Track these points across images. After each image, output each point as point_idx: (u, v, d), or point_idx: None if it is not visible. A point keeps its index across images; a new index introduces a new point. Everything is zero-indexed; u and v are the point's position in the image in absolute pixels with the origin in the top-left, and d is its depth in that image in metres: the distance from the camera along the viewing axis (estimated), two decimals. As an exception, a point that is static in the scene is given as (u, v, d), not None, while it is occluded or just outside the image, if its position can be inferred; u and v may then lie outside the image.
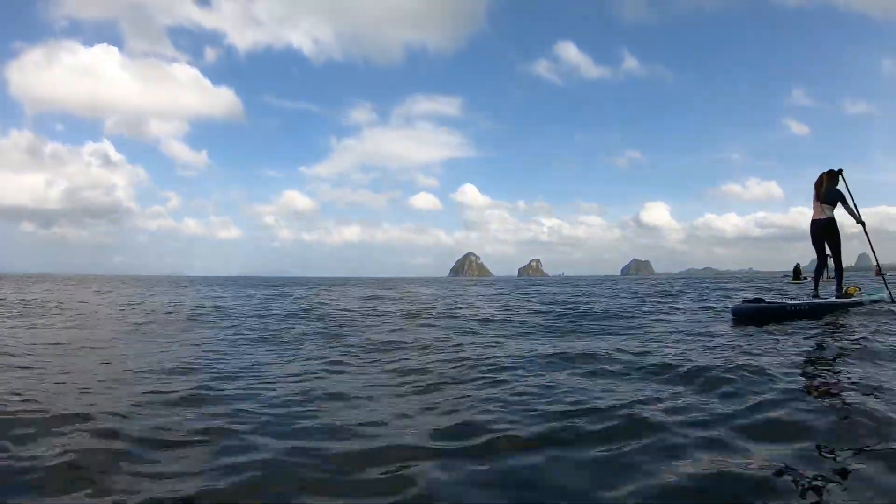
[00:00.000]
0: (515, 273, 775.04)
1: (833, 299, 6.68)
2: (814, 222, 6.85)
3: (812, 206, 6.90)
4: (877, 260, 7.71)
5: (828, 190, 6.72)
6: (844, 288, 7.23)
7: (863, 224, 6.78)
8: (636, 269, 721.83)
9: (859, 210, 6.73)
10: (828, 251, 7.09)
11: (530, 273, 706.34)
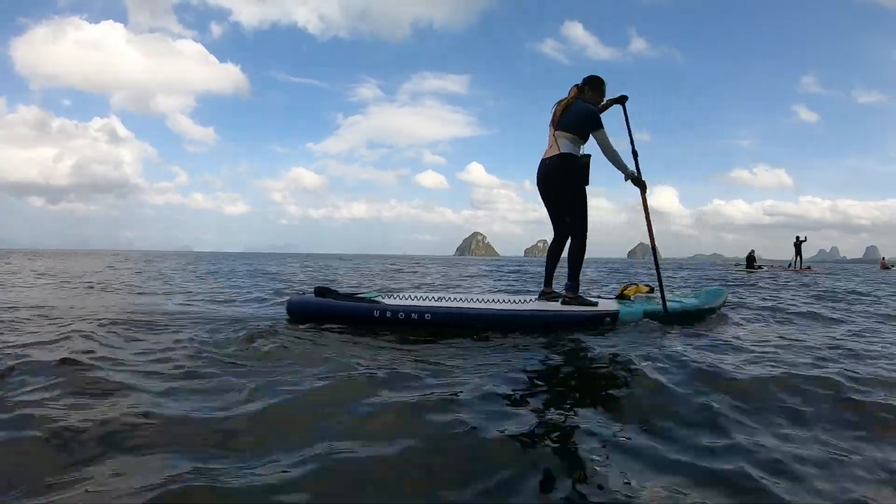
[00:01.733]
0: (522, 253, 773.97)
1: (547, 306, 3.50)
2: (541, 163, 3.72)
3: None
4: (654, 247, 3.81)
5: (568, 108, 3.63)
6: (622, 288, 4.17)
7: (639, 182, 3.57)
8: (643, 252, 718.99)
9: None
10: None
11: (537, 254, 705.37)
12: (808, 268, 21.84)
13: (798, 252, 21.89)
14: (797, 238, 22.15)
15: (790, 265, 21.77)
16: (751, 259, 21.40)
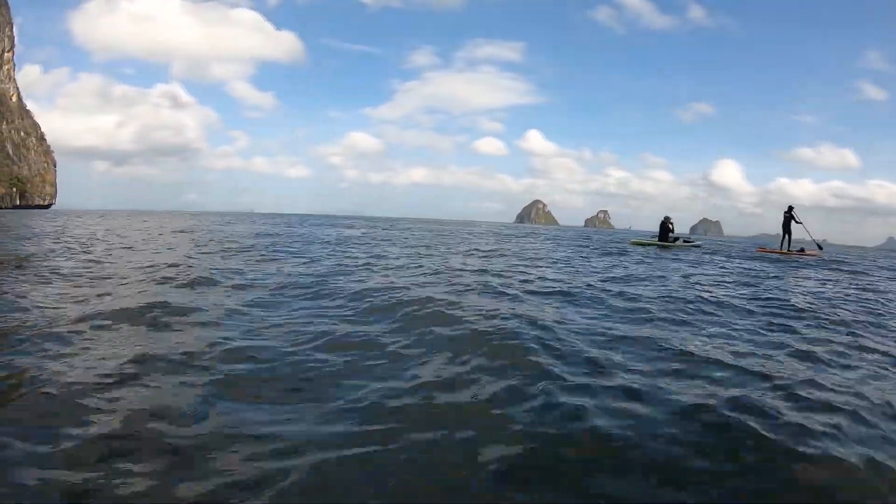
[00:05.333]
0: (582, 223, 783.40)
1: None
2: None
3: None
4: None
5: None
6: None
7: None
8: (705, 229, 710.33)
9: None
10: None
11: (597, 224, 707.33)
12: (802, 250, 16.72)
13: (786, 229, 16.77)
14: (789, 209, 16.72)
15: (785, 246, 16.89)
16: (665, 229, 17.18)
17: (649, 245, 16.85)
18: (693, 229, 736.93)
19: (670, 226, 17.48)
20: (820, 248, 17.52)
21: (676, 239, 17.39)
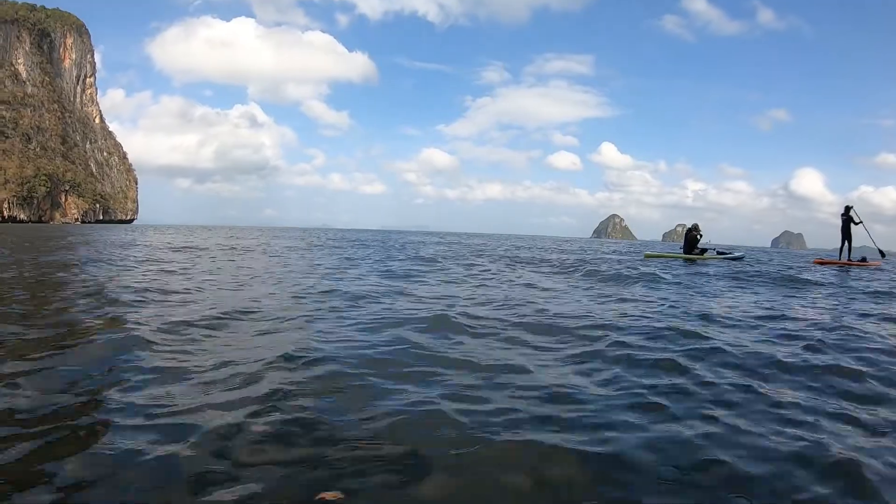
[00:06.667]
0: (660, 237, 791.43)
1: None
2: None
3: None
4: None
5: None
6: None
7: None
8: (787, 241, 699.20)
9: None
10: None
11: (675, 238, 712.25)
12: (863, 259, 14.76)
13: (846, 235, 14.67)
14: (846, 210, 14.84)
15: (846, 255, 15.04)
16: (692, 240, 14.48)
17: (667, 258, 14.27)
18: (775, 242, 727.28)
19: (698, 235, 14.52)
20: (883, 255, 15.15)
21: (704, 251, 14.34)
